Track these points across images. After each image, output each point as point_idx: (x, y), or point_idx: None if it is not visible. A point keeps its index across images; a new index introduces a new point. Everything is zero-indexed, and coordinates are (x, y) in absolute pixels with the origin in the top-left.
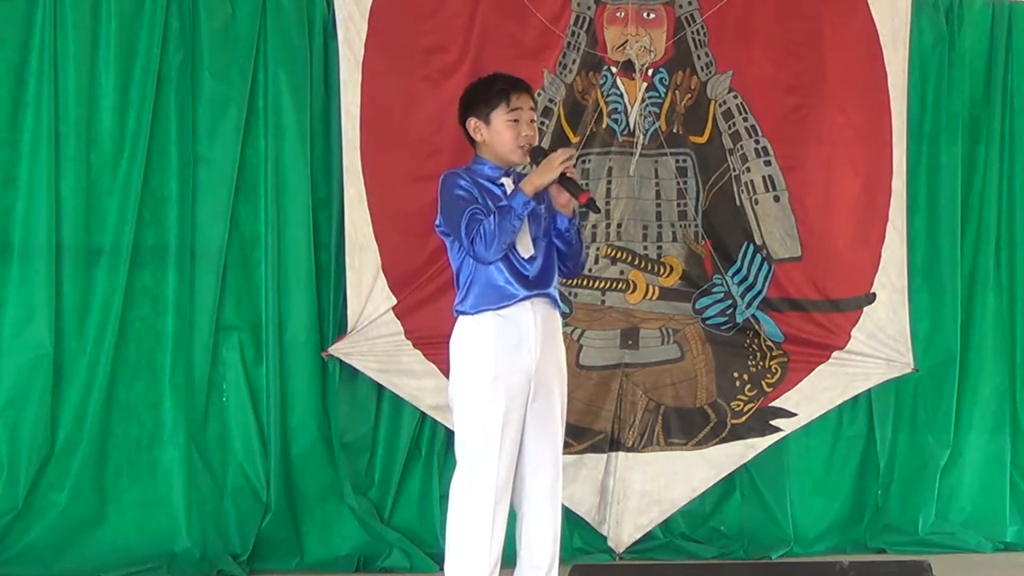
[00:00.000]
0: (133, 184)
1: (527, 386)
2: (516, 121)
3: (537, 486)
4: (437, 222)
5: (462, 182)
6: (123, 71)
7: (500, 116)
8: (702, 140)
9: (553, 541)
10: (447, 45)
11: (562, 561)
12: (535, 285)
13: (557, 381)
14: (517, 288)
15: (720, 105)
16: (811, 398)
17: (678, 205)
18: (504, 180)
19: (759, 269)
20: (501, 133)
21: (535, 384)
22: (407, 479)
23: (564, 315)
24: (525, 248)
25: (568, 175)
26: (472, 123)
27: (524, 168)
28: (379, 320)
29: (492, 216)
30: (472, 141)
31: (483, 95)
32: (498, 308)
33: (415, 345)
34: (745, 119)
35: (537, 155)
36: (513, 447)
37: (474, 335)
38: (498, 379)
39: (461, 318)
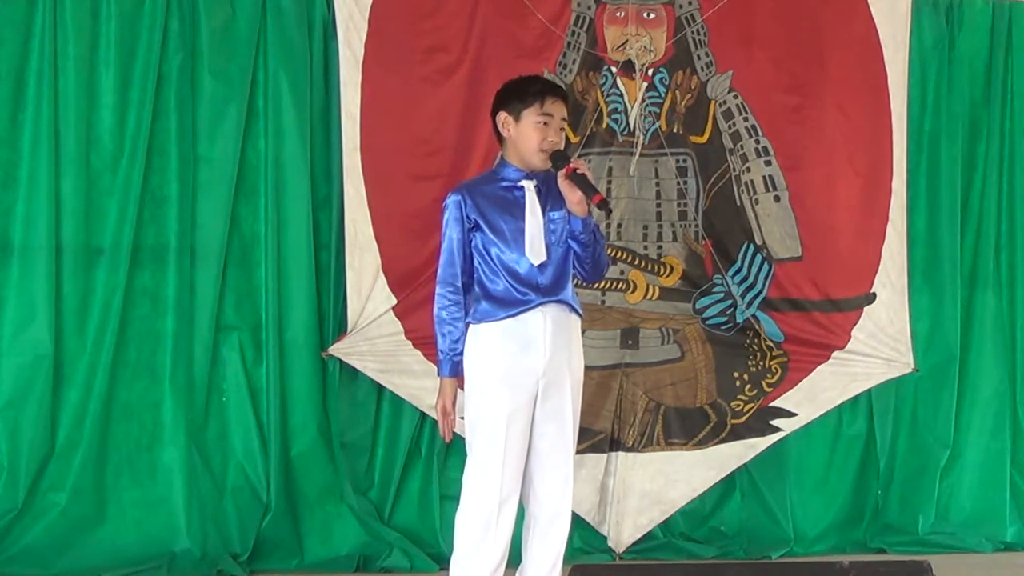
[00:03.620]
0: (133, 184)
1: (534, 387)
2: (545, 124)
3: (547, 487)
4: None
5: (450, 224)
6: (123, 71)
7: (531, 116)
8: (702, 140)
9: (560, 542)
10: (447, 45)
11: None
12: (545, 292)
13: (569, 383)
14: (524, 299)
15: (720, 105)
16: (811, 398)
17: (678, 205)
18: (524, 183)
19: (759, 269)
20: (528, 133)
21: (543, 385)
22: (407, 479)
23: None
24: (537, 255)
25: (581, 172)
26: (502, 117)
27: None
28: (379, 320)
29: (445, 319)
30: (499, 137)
31: (519, 92)
32: (503, 319)
33: (415, 345)
34: (745, 119)
35: (558, 159)
36: (520, 447)
37: (481, 340)
38: (504, 380)
39: (471, 327)
